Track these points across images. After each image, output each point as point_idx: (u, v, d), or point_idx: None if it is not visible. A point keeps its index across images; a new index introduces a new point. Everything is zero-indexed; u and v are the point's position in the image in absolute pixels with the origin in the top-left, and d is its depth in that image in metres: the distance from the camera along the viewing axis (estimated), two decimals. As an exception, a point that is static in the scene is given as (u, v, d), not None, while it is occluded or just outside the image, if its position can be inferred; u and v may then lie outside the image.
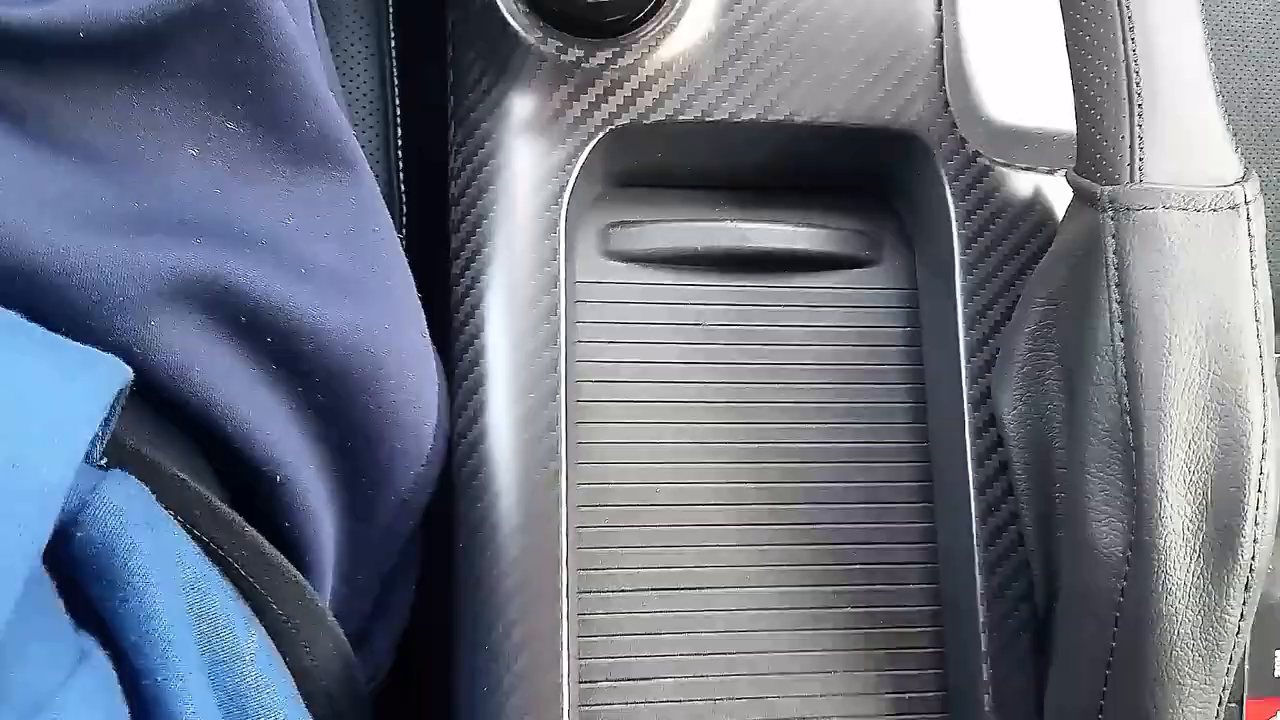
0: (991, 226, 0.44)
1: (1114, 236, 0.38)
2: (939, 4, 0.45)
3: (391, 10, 0.52)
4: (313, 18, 0.39)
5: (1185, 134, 0.38)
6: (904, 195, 0.47)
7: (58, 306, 0.28)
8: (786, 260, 0.46)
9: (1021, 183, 0.45)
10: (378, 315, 0.35)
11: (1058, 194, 0.45)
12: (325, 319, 0.33)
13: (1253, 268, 0.38)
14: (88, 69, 0.29)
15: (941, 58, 0.45)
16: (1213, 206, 0.38)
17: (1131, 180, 0.38)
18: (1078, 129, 0.40)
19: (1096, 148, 0.39)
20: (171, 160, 0.31)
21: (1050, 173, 0.45)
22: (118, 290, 0.28)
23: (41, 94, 0.29)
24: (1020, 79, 0.46)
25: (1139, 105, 0.38)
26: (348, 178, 0.34)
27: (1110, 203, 0.38)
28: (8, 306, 0.26)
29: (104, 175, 0.30)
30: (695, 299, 0.46)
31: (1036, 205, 0.45)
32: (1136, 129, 0.38)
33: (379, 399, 0.35)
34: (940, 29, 0.45)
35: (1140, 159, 0.38)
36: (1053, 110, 0.46)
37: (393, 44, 0.52)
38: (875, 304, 0.47)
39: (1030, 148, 0.46)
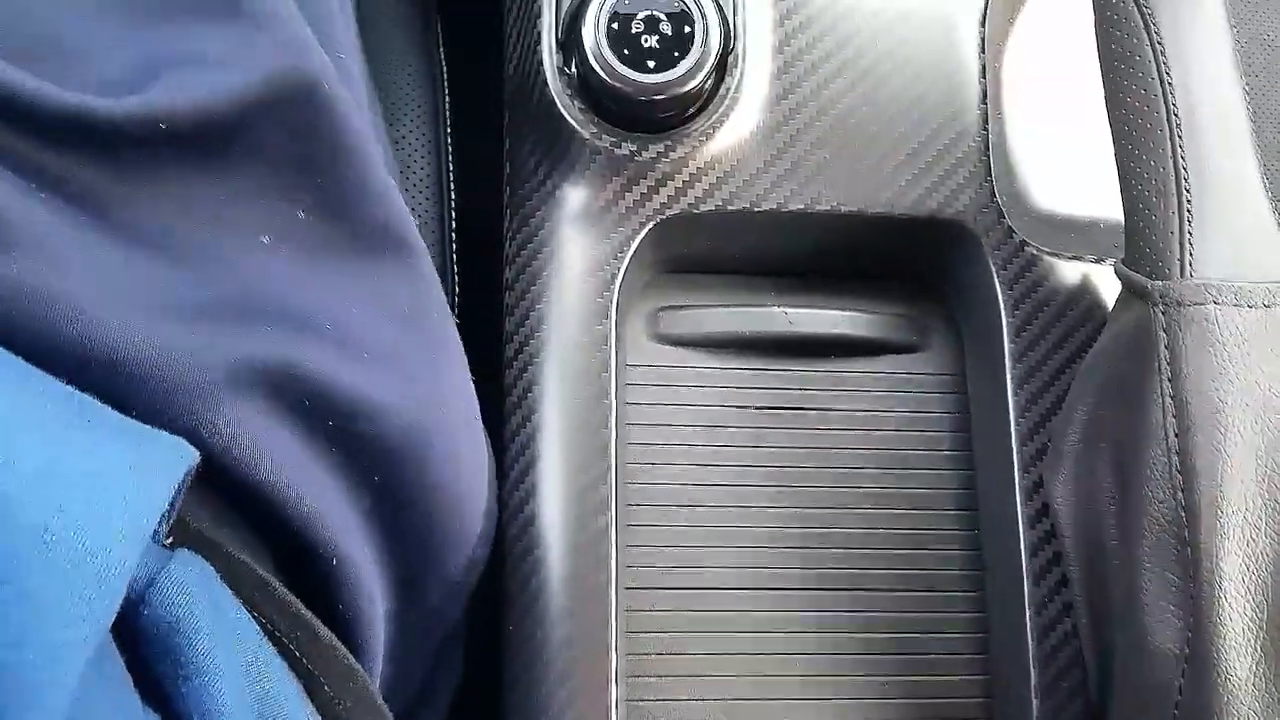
0: (1040, 315, 0.44)
1: (1165, 331, 0.38)
2: (984, 97, 0.45)
3: (449, 100, 0.54)
4: (374, 108, 0.40)
5: (1235, 229, 0.38)
6: (951, 283, 0.47)
7: (129, 393, 0.28)
8: (833, 345, 0.47)
9: (1069, 271, 0.45)
10: (433, 397, 0.35)
11: (1106, 283, 0.45)
12: (384, 400, 0.33)
13: (1308, 362, 0.37)
14: (168, 160, 0.30)
15: (988, 149, 0.45)
16: (1265, 303, 0.38)
17: (1182, 275, 0.38)
18: (1126, 223, 0.40)
19: (1146, 242, 0.39)
20: (244, 248, 0.32)
21: (1098, 261, 0.46)
22: (188, 378, 0.29)
23: (122, 185, 0.30)
24: (1067, 169, 0.47)
25: (1188, 200, 0.38)
26: (407, 262, 0.36)
27: (1161, 298, 0.38)
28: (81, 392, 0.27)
29: (178, 264, 0.30)
30: (744, 383, 0.46)
31: (1085, 294, 0.45)
32: (1186, 224, 0.38)
33: (432, 479, 0.35)
34: (986, 121, 0.45)
35: (1190, 254, 0.38)
36: (1100, 199, 0.46)
37: (449, 133, 0.54)
38: (922, 389, 0.47)
39: (1078, 236, 0.46)
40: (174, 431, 0.28)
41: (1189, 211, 0.39)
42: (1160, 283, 0.38)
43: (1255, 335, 0.37)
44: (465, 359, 0.38)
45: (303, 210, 0.33)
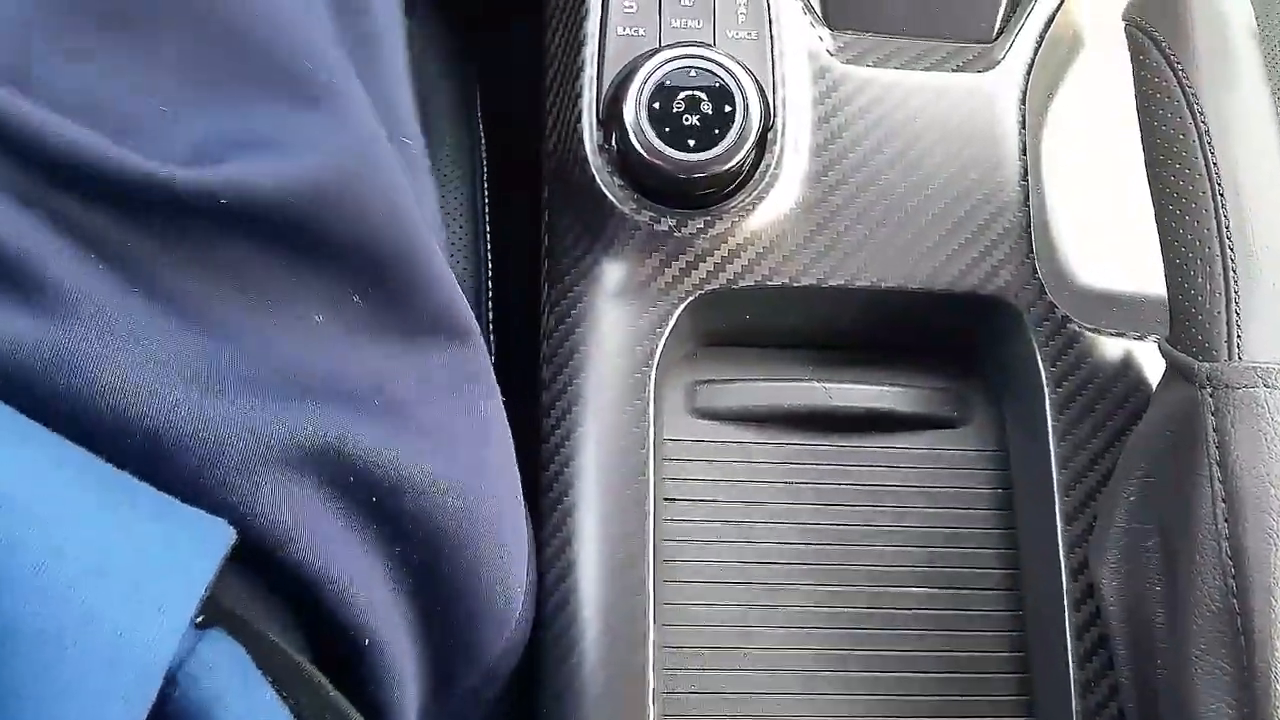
0: (1084, 392, 0.44)
1: (1214, 414, 0.37)
2: (1024, 173, 0.45)
3: (485, 171, 0.54)
4: (432, 187, 0.40)
5: (1284, 310, 0.38)
6: (993, 359, 0.47)
7: (170, 465, 0.28)
8: (873, 420, 0.46)
9: (1112, 348, 0.45)
10: (479, 477, 0.35)
11: (1149, 359, 0.45)
12: (430, 477, 0.33)
13: (1362, 448, 0.37)
14: (226, 236, 0.31)
15: (1029, 225, 0.45)
16: (1316, 385, 0.37)
17: (1230, 358, 0.37)
18: (1171, 303, 0.40)
19: (1192, 322, 0.39)
20: (295, 325, 0.32)
21: (1141, 338, 0.45)
22: (231, 453, 0.29)
23: (177, 256, 0.30)
24: (1108, 244, 0.47)
25: (1235, 281, 0.38)
26: (460, 348, 0.36)
27: (1209, 380, 0.38)
28: (122, 462, 0.27)
29: (227, 339, 0.30)
30: (783, 458, 0.46)
31: (1129, 371, 0.44)
32: (1234, 305, 0.38)
33: (472, 561, 0.35)
34: (1027, 197, 0.45)
35: (1239, 336, 0.38)
36: (1141, 275, 0.46)
37: (486, 202, 0.54)
38: (964, 465, 0.46)
39: (1120, 312, 0.46)
40: (212, 507, 0.28)
41: (1236, 292, 0.38)
42: (1208, 365, 0.38)
43: (1306, 419, 0.37)
44: (512, 443, 0.38)
45: (358, 296, 0.33)
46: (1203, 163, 0.40)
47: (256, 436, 0.29)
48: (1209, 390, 0.37)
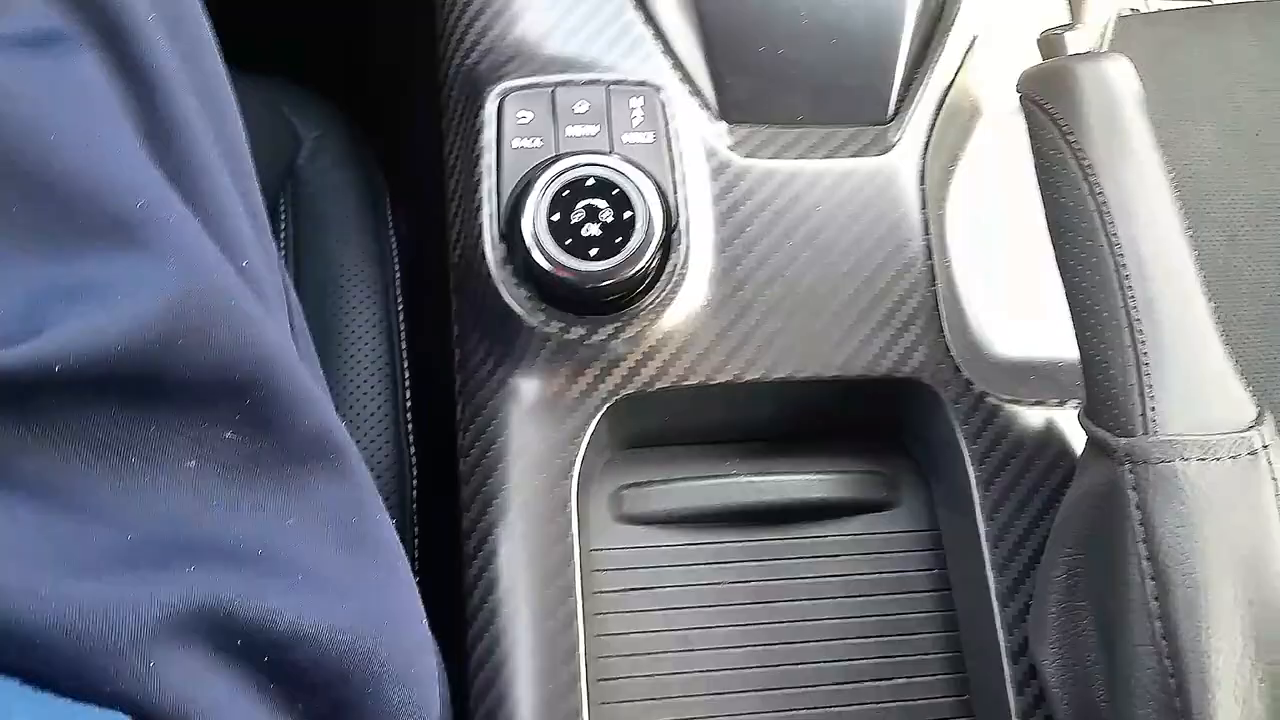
0: (1008, 466, 0.44)
1: (1134, 489, 0.37)
2: (929, 252, 0.45)
3: (399, 282, 0.54)
4: (289, 306, 0.39)
5: (1194, 381, 0.38)
6: (916, 439, 0.46)
7: (55, 657, 0.27)
8: (802, 510, 0.45)
9: (1033, 418, 0.45)
10: (377, 611, 0.34)
11: (1071, 426, 0.45)
12: (324, 625, 0.32)
13: (1281, 511, 0.37)
14: (72, 403, 0.29)
15: (938, 303, 0.45)
16: (1231, 454, 0.37)
17: (1146, 432, 0.37)
18: (1085, 379, 0.40)
19: (1107, 396, 0.39)
20: (165, 479, 0.30)
21: (1061, 404, 0.45)
22: (110, 639, 0.28)
23: (23, 436, 0.29)
24: (1017, 313, 0.47)
25: (1144, 356, 0.38)
26: (338, 467, 0.34)
27: (1127, 455, 0.37)
28: (8, 665, 0.26)
29: (92, 513, 0.29)
30: (714, 558, 0.45)
31: (1051, 440, 0.44)
32: (1145, 380, 0.38)
33: (381, 699, 0.34)
34: (933, 276, 0.45)
35: (1152, 410, 0.38)
36: (1054, 341, 0.46)
37: (400, 315, 0.53)
38: (898, 548, 0.46)
39: (1037, 380, 0.46)
40: (102, 697, 0.26)
41: (1146, 365, 0.38)
42: (1125, 440, 0.38)
43: (1223, 488, 0.37)
44: (408, 568, 0.37)
45: (230, 430, 0.32)
46: (1103, 236, 0.40)
47: (135, 614, 0.28)
48: (1128, 466, 0.37)
